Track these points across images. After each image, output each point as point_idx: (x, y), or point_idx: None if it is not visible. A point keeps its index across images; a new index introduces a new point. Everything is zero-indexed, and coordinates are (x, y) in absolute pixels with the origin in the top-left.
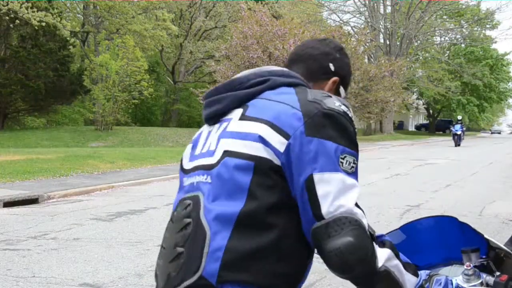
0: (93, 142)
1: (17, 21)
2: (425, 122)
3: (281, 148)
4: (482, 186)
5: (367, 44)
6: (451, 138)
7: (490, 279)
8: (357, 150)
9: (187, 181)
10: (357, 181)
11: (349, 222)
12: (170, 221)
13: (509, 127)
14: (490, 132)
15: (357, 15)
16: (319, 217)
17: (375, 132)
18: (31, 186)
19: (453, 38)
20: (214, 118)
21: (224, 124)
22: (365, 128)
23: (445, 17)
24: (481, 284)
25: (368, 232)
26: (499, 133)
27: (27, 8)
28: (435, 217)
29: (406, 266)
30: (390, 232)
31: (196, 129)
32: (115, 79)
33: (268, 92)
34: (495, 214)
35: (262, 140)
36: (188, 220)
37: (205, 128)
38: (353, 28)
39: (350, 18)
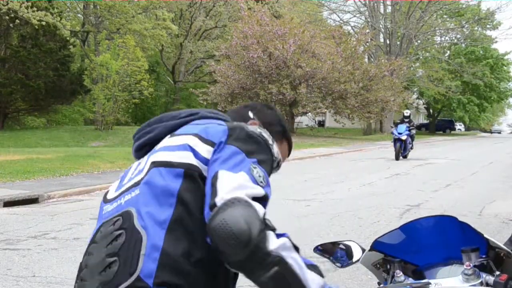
0: (93, 142)
1: (17, 21)
2: (425, 121)
3: (209, 156)
4: (482, 185)
5: (367, 43)
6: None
7: (490, 279)
8: (268, 172)
9: (110, 207)
10: (267, 194)
11: (239, 202)
12: (92, 243)
13: (509, 126)
14: (490, 131)
15: (357, 15)
16: (213, 206)
17: (375, 131)
18: (31, 185)
19: (453, 38)
20: (145, 148)
21: (154, 149)
22: (365, 128)
23: (445, 16)
24: (481, 283)
25: (259, 216)
26: (499, 132)
27: (27, 8)
28: (435, 216)
29: (309, 266)
30: (389, 231)
31: None
32: (115, 79)
33: (197, 121)
34: (495, 213)
35: (191, 149)
36: (120, 231)
37: (134, 163)
38: (353, 28)
39: (350, 18)
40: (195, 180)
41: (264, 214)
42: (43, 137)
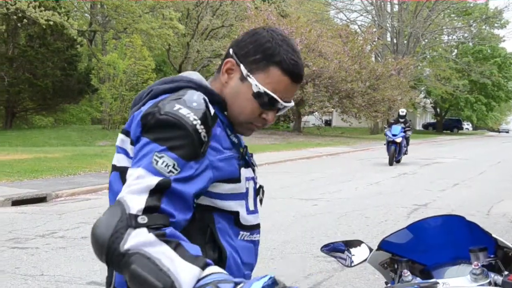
0: (100, 141)
1: (25, 20)
2: (433, 121)
3: (133, 154)
4: (490, 185)
5: (374, 42)
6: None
7: (498, 279)
8: (185, 157)
9: None
10: (174, 183)
11: (114, 204)
12: None
13: None
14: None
15: (364, 14)
16: None
17: (383, 131)
18: (39, 184)
19: (461, 37)
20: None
21: None
22: (372, 127)
23: (453, 15)
24: (489, 283)
25: (124, 213)
26: (507, 132)
27: (34, 7)
28: (443, 216)
29: (188, 257)
30: (397, 231)
31: None
32: (122, 78)
33: (149, 102)
34: (503, 213)
35: (122, 150)
36: None
37: None
38: (360, 27)
39: (357, 17)
40: None
41: (143, 208)
42: (51, 136)
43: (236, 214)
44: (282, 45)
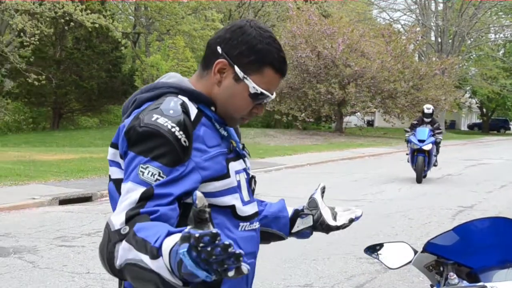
0: None
1: (72, 24)
2: (478, 121)
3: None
4: None
5: (417, 41)
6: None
7: None
8: (168, 164)
9: None
10: (161, 190)
11: (106, 227)
12: None
13: None
14: None
15: (408, 13)
16: None
17: None
18: (85, 184)
19: (508, 35)
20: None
21: None
22: None
23: (500, 13)
24: None
25: (110, 234)
26: None
27: (81, 11)
28: (490, 218)
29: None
30: (443, 233)
31: (244, 129)
32: None
33: (134, 112)
34: None
35: (114, 163)
36: None
37: None
38: (403, 26)
39: (400, 16)
40: None
41: (124, 220)
42: (96, 136)
43: (232, 207)
44: (271, 43)
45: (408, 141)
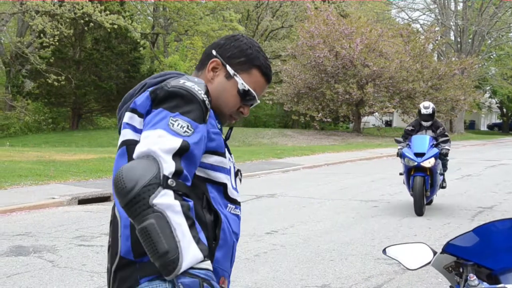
0: None
1: (91, 24)
2: (498, 121)
3: (142, 127)
4: None
5: (436, 41)
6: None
7: None
8: (196, 120)
9: None
10: (191, 143)
11: (147, 156)
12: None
13: None
14: None
15: (427, 13)
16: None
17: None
18: (104, 184)
19: None
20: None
21: None
22: None
23: None
24: None
25: (158, 172)
26: None
27: (100, 12)
28: (511, 219)
29: (196, 239)
30: (462, 234)
31: (262, 129)
32: None
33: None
34: None
35: (129, 125)
36: (112, 214)
37: None
38: (422, 26)
39: (419, 16)
40: None
41: (173, 172)
42: (115, 137)
43: (224, 186)
44: (259, 51)
45: (401, 156)
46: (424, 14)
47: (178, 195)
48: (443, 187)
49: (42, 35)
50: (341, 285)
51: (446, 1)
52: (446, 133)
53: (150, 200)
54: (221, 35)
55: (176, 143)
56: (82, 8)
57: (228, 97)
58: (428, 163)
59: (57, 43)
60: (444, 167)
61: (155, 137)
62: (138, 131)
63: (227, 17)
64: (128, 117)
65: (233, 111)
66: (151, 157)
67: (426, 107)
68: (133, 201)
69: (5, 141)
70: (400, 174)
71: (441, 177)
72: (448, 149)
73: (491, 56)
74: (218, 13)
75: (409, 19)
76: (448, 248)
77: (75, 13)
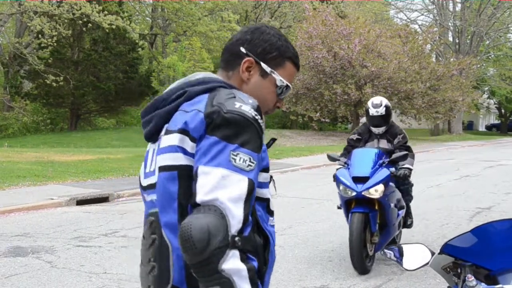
0: None
1: (90, 25)
2: (497, 122)
3: (193, 151)
4: None
5: (435, 41)
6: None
7: None
8: (255, 150)
9: (148, 197)
10: (254, 179)
11: (214, 211)
12: (143, 237)
13: None
14: None
15: (425, 13)
16: (194, 205)
17: (443, 132)
18: (102, 185)
19: None
20: (152, 137)
21: (158, 142)
22: (432, 128)
23: None
24: None
25: (227, 231)
26: None
27: (98, 12)
28: (509, 220)
29: None
30: (460, 234)
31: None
32: None
33: (185, 104)
34: None
35: (180, 149)
36: (154, 236)
37: (150, 146)
38: (421, 26)
39: (417, 17)
40: (190, 178)
41: (240, 229)
42: (113, 137)
43: (267, 201)
44: (287, 41)
45: (336, 180)
46: (422, 14)
47: (243, 253)
48: (407, 226)
49: (40, 35)
50: (340, 285)
51: (445, 2)
52: (407, 144)
53: (219, 265)
54: (220, 36)
55: (243, 186)
56: (80, 9)
57: (266, 96)
58: (374, 192)
59: (55, 44)
60: (408, 195)
61: (218, 177)
62: (190, 154)
63: (226, 18)
64: (178, 139)
65: (270, 108)
66: (218, 211)
67: (377, 104)
68: (202, 263)
69: (3, 142)
70: (338, 207)
71: (401, 212)
72: (410, 169)
73: (490, 57)
74: (217, 14)
75: (408, 20)
76: (446, 248)
77: (73, 14)
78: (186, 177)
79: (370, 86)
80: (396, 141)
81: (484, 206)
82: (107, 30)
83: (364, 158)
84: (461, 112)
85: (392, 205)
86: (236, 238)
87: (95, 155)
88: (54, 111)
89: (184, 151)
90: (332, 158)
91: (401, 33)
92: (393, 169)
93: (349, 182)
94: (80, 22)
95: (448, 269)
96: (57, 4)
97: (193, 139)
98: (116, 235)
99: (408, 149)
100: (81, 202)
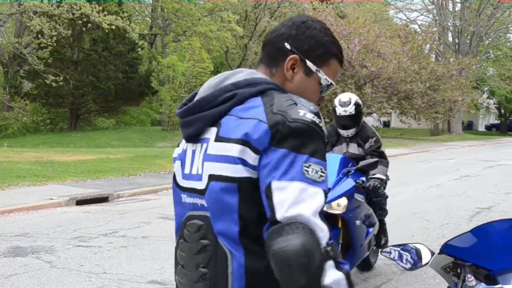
0: (160, 143)
1: (89, 25)
2: (496, 122)
3: (256, 163)
4: None
5: (435, 42)
6: None
7: None
8: (323, 159)
9: (187, 199)
10: (327, 190)
11: (303, 228)
12: (182, 239)
13: None
14: None
15: (425, 13)
16: (274, 222)
17: (443, 132)
18: (102, 185)
19: None
20: (193, 138)
21: (204, 146)
22: (432, 128)
23: None
24: None
25: (320, 246)
26: None
27: (98, 12)
28: (509, 220)
29: None
30: (460, 234)
31: None
32: (181, 80)
33: (236, 108)
34: None
35: (240, 160)
36: (206, 241)
37: (188, 146)
38: (420, 26)
39: (417, 17)
40: (251, 191)
41: (327, 238)
42: (113, 137)
43: None
44: (332, 36)
45: None
46: (422, 14)
47: (336, 261)
48: (380, 246)
49: (40, 35)
50: None
51: (444, 2)
52: (381, 149)
53: (321, 282)
54: (220, 36)
55: (320, 197)
56: (80, 9)
57: (310, 95)
58: (336, 206)
59: (55, 44)
60: (381, 209)
61: (296, 192)
62: (250, 166)
63: (225, 18)
64: (238, 150)
65: None
66: (306, 227)
67: (345, 102)
68: (306, 286)
69: (3, 142)
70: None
71: (371, 230)
72: (382, 179)
73: (489, 57)
74: (216, 14)
75: (407, 20)
76: (446, 248)
77: (73, 14)
78: (246, 189)
79: (370, 86)
80: (367, 145)
81: (484, 206)
82: (106, 30)
83: (334, 160)
84: (461, 112)
85: (359, 222)
86: (328, 248)
87: (95, 155)
88: (53, 111)
89: (244, 163)
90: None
91: (401, 33)
92: (363, 179)
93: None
94: (80, 22)
95: (448, 269)
96: (57, 4)
97: (256, 151)
98: (115, 235)
99: (382, 155)
100: (80, 202)
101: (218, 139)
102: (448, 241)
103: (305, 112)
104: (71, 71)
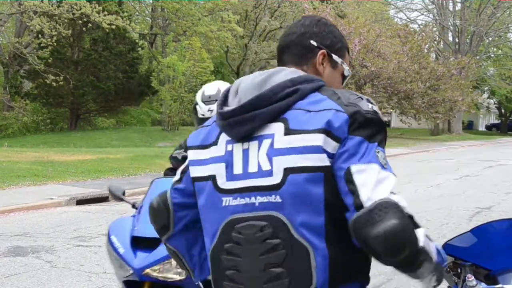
0: (160, 142)
1: (89, 25)
2: (497, 121)
3: (334, 151)
4: None
5: (435, 41)
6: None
7: None
8: (384, 148)
9: (233, 201)
10: (394, 174)
11: (391, 206)
12: (232, 243)
13: None
14: None
15: (425, 13)
16: (359, 206)
17: (443, 132)
18: (102, 184)
19: None
20: (247, 137)
21: (266, 142)
22: (432, 128)
23: None
24: None
25: (408, 216)
26: None
27: (98, 12)
28: (509, 219)
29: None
30: (460, 234)
31: None
32: (181, 80)
33: (300, 102)
34: None
35: (323, 150)
36: (276, 241)
37: (235, 146)
38: (420, 26)
39: (417, 16)
40: (333, 178)
41: (401, 198)
42: (113, 137)
43: None
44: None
45: (108, 243)
46: (422, 14)
47: (415, 222)
48: None
49: (40, 35)
50: None
51: (444, 2)
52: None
53: (418, 245)
54: (220, 36)
55: (393, 179)
56: (80, 9)
57: (338, 86)
58: (157, 272)
59: (55, 44)
60: None
61: (376, 172)
62: (329, 155)
63: (226, 18)
64: (321, 139)
65: None
66: (394, 205)
67: (210, 97)
68: (413, 253)
69: (3, 142)
70: None
71: None
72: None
73: (489, 57)
74: (216, 14)
75: (407, 20)
76: (446, 248)
77: (73, 14)
78: (331, 177)
79: (370, 86)
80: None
81: (484, 206)
82: (107, 30)
83: None
84: (461, 112)
85: None
86: (412, 216)
87: (95, 155)
88: (54, 111)
89: (327, 153)
90: (113, 195)
91: (401, 33)
92: None
93: (123, 248)
94: (80, 22)
95: (448, 269)
96: (57, 4)
97: (336, 139)
98: None
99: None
100: (81, 202)
101: (289, 132)
102: (448, 241)
103: (372, 105)
104: (71, 71)
